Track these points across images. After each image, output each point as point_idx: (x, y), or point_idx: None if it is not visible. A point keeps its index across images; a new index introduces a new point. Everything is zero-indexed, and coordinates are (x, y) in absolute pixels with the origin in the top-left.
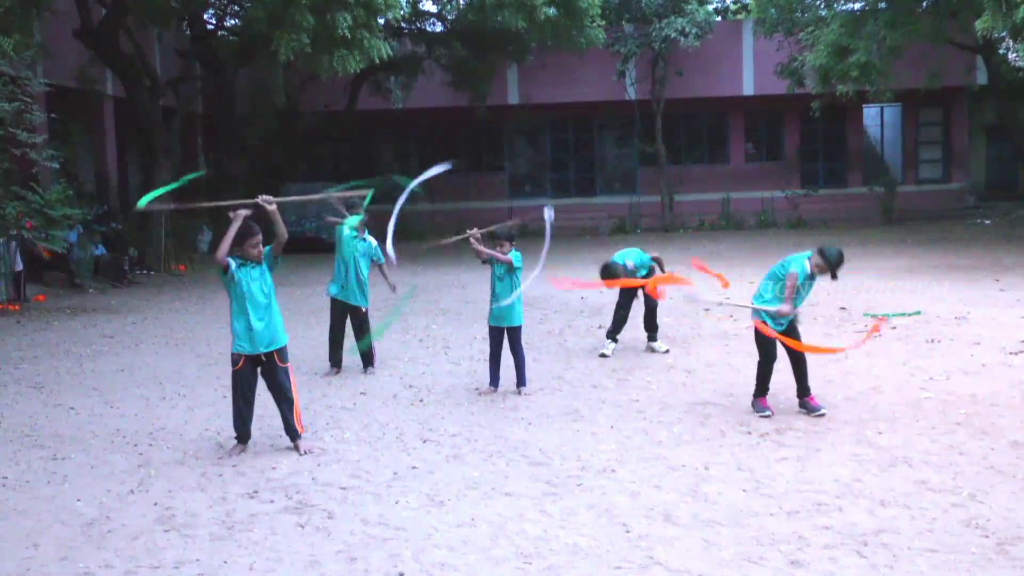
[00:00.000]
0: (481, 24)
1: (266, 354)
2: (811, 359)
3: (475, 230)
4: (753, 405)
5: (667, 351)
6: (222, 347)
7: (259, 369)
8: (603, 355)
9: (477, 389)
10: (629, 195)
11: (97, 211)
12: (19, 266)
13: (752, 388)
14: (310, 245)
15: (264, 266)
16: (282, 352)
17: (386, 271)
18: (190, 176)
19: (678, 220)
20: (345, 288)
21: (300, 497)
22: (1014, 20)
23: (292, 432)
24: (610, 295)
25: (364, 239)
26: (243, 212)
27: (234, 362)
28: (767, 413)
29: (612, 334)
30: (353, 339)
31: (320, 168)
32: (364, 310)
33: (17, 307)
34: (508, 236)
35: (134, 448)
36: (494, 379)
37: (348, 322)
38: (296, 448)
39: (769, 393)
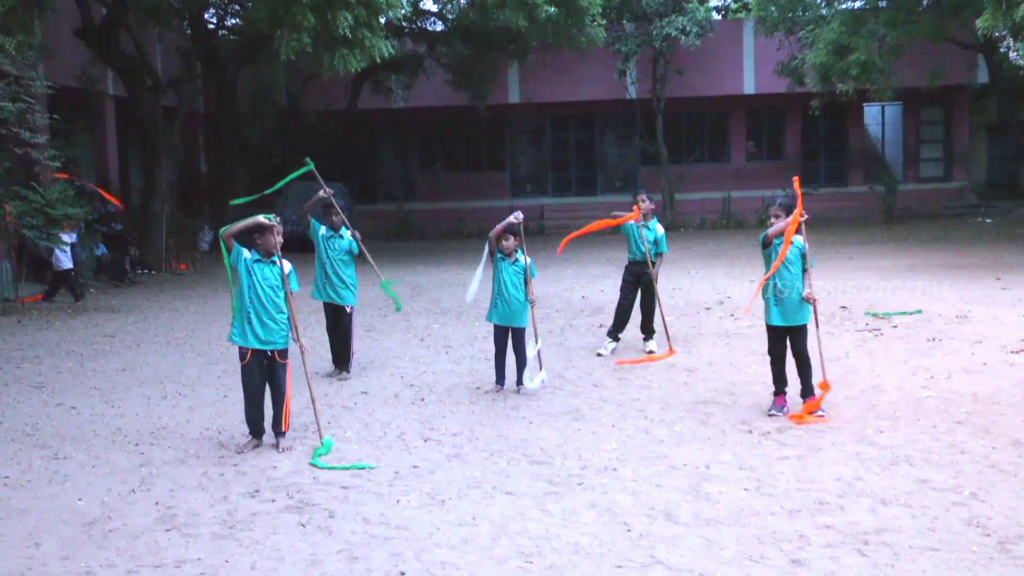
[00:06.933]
0: (482, 23)
1: (269, 350)
2: (814, 359)
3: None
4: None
5: (651, 352)
6: (223, 346)
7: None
8: (599, 354)
9: (479, 387)
10: (630, 194)
11: (100, 210)
12: (64, 265)
13: (753, 387)
14: (310, 245)
15: (279, 269)
16: (283, 351)
17: (367, 256)
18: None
19: (679, 219)
20: (327, 289)
21: (301, 496)
22: (1015, 19)
23: (277, 428)
24: (611, 295)
25: (341, 236)
26: (262, 218)
27: (241, 356)
28: (773, 412)
29: (613, 332)
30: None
31: (321, 167)
32: (350, 309)
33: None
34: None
35: (135, 447)
36: (500, 377)
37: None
38: (276, 445)
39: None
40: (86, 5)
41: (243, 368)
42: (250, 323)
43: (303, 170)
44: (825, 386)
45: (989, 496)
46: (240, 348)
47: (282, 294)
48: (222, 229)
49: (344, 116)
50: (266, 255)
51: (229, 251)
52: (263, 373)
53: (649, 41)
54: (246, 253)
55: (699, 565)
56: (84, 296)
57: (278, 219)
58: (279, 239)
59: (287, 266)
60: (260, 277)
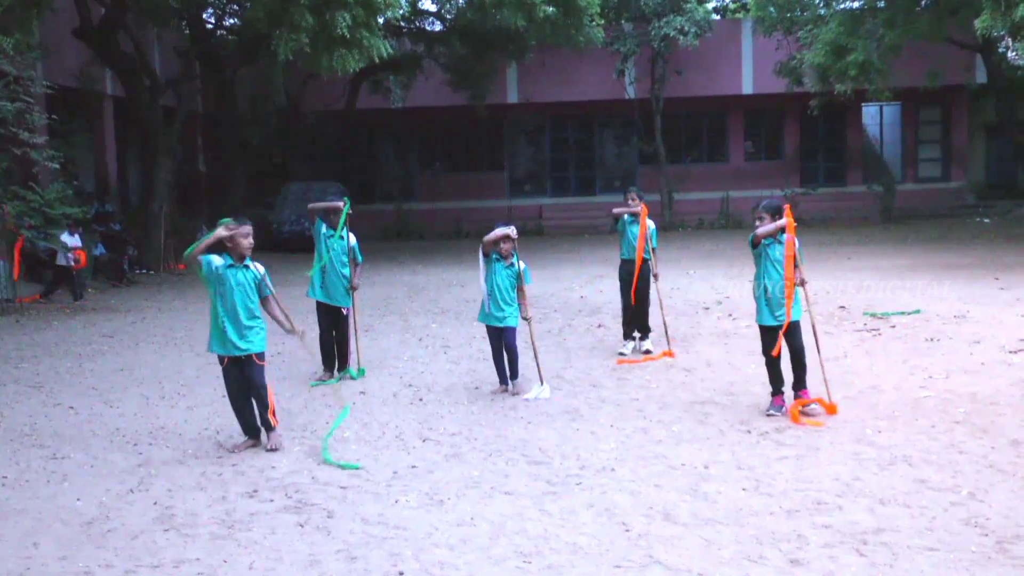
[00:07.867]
0: (480, 23)
1: (245, 355)
2: (811, 358)
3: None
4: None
5: (648, 352)
6: None
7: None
8: (621, 353)
9: (478, 387)
10: (622, 194)
11: (98, 210)
12: (63, 261)
13: (752, 387)
14: (309, 245)
15: (253, 273)
16: (259, 353)
17: (358, 271)
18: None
19: (678, 219)
20: (324, 288)
21: (300, 496)
22: (1013, 19)
23: (266, 425)
24: (610, 295)
25: (342, 237)
26: (231, 229)
27: (220, 360)
28: (771, 412)
29: (627, 333)
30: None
31: (320, 167)
32: (345, 311)
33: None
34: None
35: (134, 447)
36: (503, 378)
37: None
38: (267, 440)
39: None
40: (85, 5)
41: (223, 372)
42: (225, 331)
43: (346, 210)
44: (832, 409)
45: (987, 496)
46: (219, 355)
47: (256, 297)
48: (186, 252)
49: (343, 116)
50: (239, 259)
51: (200, 268)
52: (242, 376)
53: (647, 41)
54: (217, 260)
55: (698, 565)
56: (83, 296)
57: (233, 220)
58: (249, 240)
59: (260, 269)
60: (233, 282)
